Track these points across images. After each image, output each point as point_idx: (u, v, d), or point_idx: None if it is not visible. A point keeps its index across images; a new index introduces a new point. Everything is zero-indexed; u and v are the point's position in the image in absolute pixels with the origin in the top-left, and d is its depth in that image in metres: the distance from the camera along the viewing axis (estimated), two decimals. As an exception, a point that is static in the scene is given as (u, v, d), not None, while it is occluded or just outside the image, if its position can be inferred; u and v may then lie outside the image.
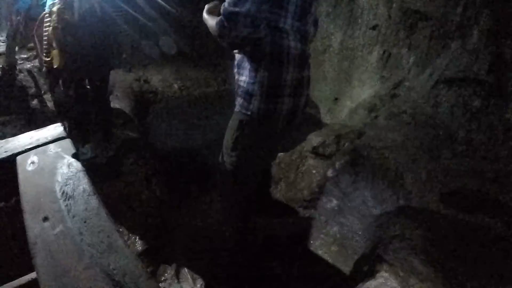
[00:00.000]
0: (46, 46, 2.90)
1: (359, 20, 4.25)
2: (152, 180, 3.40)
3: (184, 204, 3.26)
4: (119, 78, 5.46)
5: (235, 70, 1.91)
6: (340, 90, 4.34)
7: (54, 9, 2.74)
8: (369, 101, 3.67)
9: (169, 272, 2.29)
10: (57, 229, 1.09)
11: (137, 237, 2.56)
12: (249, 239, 2.33)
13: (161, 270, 2.35)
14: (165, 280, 2.26)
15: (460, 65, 3.10)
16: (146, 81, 5.66)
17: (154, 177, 3.46)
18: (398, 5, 3.81)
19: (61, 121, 3.43)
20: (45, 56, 2.91)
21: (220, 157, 2.06)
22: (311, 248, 2.40)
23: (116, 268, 0.98)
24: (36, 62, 4.69)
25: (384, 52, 3.88)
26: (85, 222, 1.12)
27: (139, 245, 2.51)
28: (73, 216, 1.13)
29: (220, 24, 1.62)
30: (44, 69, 3.53)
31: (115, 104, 4.57)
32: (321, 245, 2.40)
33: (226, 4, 1.60)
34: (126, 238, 2.55)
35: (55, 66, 2.85)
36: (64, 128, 1.63)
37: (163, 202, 3.13)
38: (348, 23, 4.37)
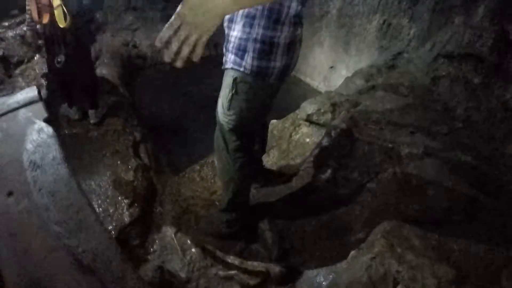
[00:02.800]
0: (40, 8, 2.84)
1: (360, -13, 4.12)
2: (139, 147, 3.31)
3: (173, 172, 3.20)
4: (106, 42, 5.26)
5: (225, 24, 1.81)
6: (337, 58, 4.26)
7: None
8: (366, 70, 3.60)
9: (158, 243, 2.23)
10: (21, 205, 0.96)
11: (125, 208, 2.48)
12: (241, 204, 2.29)
13: (150, 241, 2.28)
14: (154, 252, 2.20)
15: (462, 41, 3.04)
16: (134, 46, 5.49)
17: (141, 143, 3.37)
18: (401, -28, 3.70)
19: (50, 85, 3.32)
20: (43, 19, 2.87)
21: (217, 118, 1.99)
22: (301, 218, 2.38)
23: (86, 250, 0.88)
24: (18, 30, 4.46)
25: (384, 21, 3.79)
26: (53, 195, 0.98)
27: (126, 216, 2.43)
28: (40, 189, 0.99)
29: None
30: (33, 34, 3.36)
31: (102, 69, 4.41)
32: (312, 215, 2.37)
33: None
34: (113, 208, 2.47)
35: (62, 26, 2.83)
36: (39, 92, 1.45)
37: (151, 170, 3.05)
38: (348, -12, 4.24)
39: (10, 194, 0.98)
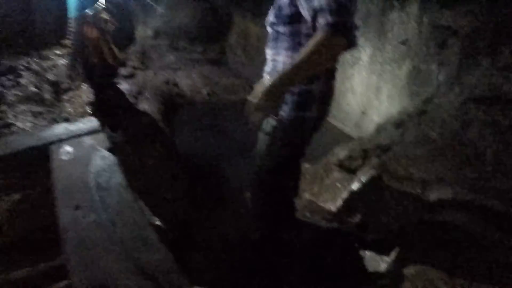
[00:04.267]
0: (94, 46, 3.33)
1: (390, 35, 4.25)
2: (177, 180, 3.48)
3: (204, 211, 3.29)
4: (148, 79, 5.64)
5: (266, 76, 2.01)
6: (368, 104, 4.35)
7: (103, 15, 3.24)
8: (397, 116, 3.67)
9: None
10: (89, 218, 1.12)
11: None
12: (271, 247, 2.39)
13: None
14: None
15: (490, 84, 3.08)
16: (175, 85, 5.81)
17: (178, 177, 3.54)
18: (428, 20, 3.80)
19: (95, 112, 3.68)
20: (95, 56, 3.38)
21: (256, 161, 2.15)
22: (329, 261, 2.43)
23: (148, 261, 1.00)
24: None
25: (413, 67, 3.88)
26: (118, 214, 1.13)
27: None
28: (107, 208, 1.15)
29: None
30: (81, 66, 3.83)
31: (144, 104, 4.75)
32: (340, 258, 2.43)
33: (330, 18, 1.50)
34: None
35: (112, 63, 3.41)
36: (100, 123, 1.70)
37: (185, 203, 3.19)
38: (378, 36, 4.38)
39: (77, 208, 1.16)
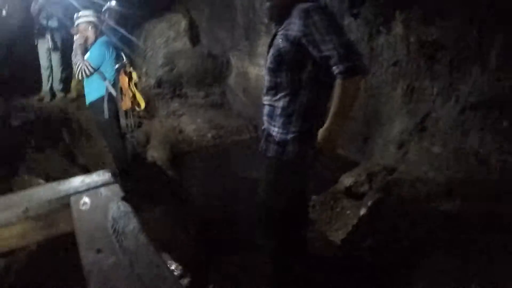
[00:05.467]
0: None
1: (380, 58, 4.33)
2: (188, 226, 3.49)
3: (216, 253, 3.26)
4: (155, 128, 5.78)
5: (265, 118, 2.07)
6: (370, 128, 4.37)
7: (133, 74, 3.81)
8: (398, 137, 3.68)
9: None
10: (110, 260, 1.24)
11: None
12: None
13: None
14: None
15: (483, 89, 3.09)
16: (181, 131, 5.92)
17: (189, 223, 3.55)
18: (414, 38, 3.88)
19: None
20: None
21: (266, 198, 2.17)
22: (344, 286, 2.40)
23: None
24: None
25: (407, 86, 3.92)
26: (135, 255, 1.25)
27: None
28: (124, 250, 1.28)
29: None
30: None
31: (153, 153, 4.86)
32: (355, 282, 2.38)
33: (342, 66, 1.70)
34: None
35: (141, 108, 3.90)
36: (113, 175, 1.85)
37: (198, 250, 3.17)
38: (370, 61, 4.46)
39: (99, 251, 1.28)
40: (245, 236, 3.29)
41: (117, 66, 3.66)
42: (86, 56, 3.46)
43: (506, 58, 2.96)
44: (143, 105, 3.88)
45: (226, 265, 2.91)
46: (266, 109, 2.07)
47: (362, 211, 2.92)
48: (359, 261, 2.57)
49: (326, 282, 2.47)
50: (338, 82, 1.72)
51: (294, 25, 1.78)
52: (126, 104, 3.74)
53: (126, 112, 3.80)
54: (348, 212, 3.21)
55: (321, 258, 2.77)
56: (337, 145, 1.90)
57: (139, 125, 5.63)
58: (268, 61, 1.98)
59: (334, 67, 1.70)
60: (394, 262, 2.38)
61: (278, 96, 1.96)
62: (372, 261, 2.52)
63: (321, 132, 1.84)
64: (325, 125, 1.82)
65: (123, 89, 3.72)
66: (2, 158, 3.50)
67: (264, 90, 2.05)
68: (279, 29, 1.91)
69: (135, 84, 3.84)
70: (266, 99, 2.05)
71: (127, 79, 3.75)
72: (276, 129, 1.99)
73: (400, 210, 2.68)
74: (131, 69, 3.82)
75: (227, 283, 2.66)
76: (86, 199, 1.64)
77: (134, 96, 3.81)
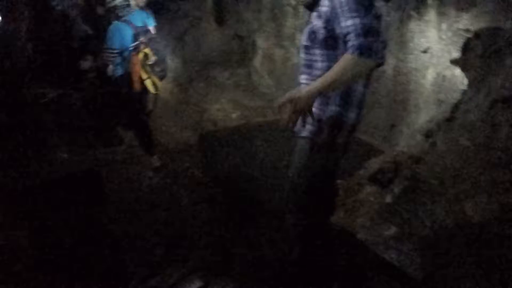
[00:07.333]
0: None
1: (410, 44, 4.28)
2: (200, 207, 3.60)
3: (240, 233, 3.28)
4: (178, 107, 5.86)
5: None
6: (396, 116, 4.36)
7: (147, 50, 3.75)
8: (425, 126, 3.66)
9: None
10: None
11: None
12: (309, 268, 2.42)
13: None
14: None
15: (516, 82, 3.03)
16: (205, 111, 5.98)
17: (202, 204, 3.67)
18: (447, 25, 3.82)
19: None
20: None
21: (293, 179, 2.19)
22: (368, 275, 2.45)
23: None
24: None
25: (437, 74, 3.88)
26: None
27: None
28: None
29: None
30: None
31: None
32: (379, 272, 2.44)
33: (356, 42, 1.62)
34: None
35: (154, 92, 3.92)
36: None
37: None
38: (400, 48, 4.41)
39: None
40: (269, 217, 3.39)
41: (132, 46, 3.72)
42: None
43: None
44: (152, 90, 3.87)
45: (249, 246, 2.99)
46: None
47: (388, 199, 2.95)
48: (379, 249, 2.61)
49: (347, 268, 2.52)
50: (345, 55, 1.64)
51: (324, 1, 1.78)
52: (135, 86, 3.78)
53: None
54: (372, 198, 3.24)
55: (344, 246, 2.81)
56: (311, 109, 1.79)
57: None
58: (303, 38, 1.97)
59: (349, 43, 1.63)
60: (415, 254, 2.43)
61: (313, 75, 1.94)
62: (392, 251, 2.56)
63: (300, 89, 1.80)
64: (309, 86, 1.76)
65: (133, 71, 3.76)
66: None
67: (300, 69, 2.04)
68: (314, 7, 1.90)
69: (151, 66, 3.82)
70: (302, 78, 2.03)
71: (139, 61, 3.75)
72: (313, 109, 1.93)
73: (426, 202, 2.70)
74: (147, 49, 3.79)
75: (250, 264, 2.74)
76: None
77: (141, 79, 3.79)
